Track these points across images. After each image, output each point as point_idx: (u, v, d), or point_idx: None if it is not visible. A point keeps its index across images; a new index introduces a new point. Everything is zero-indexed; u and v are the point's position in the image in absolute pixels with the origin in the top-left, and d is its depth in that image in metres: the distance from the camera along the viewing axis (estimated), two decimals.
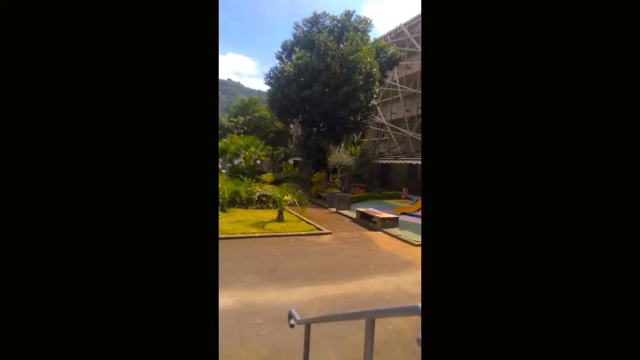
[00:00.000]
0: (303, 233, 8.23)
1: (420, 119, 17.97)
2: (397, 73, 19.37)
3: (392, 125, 19.46)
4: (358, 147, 16.19)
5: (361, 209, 10.25)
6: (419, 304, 1.00)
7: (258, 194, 10.94)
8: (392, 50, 17.98)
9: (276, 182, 15.81)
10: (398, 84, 19.18)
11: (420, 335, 0.89)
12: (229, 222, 8.86)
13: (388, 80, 19.33)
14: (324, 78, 15.50)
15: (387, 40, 20.05)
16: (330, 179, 15.05)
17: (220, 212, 8.82)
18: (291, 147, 21.85)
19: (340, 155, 14.79)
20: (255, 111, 28.60)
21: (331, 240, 7.87)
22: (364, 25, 17.67)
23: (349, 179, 15.75)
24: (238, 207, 11.26)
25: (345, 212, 11.58)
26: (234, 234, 7.69)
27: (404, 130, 18.43)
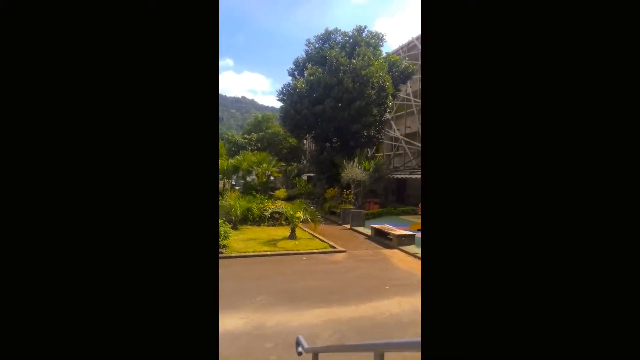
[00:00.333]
0: (316, 251, 8.03)
1: None
2: (411, 86, 19.28)
3: (407, 139, 19.24)
4: (372, 162, 16.00)
5: (376, 226, 9.98)
6: None
7: (270, 210, 10.84)
8: (404, 64, 17.96)
9: (289, 199, 15.73)
10: (412, 97, 19.06)
11: None
12: (240, 240, 8.75)
13: (401, 94, 19.26)
14: (336, 93, 15.54)
15: (399, 54, 20.09)
16: (344, 195, 14.86)
17: (232, 230, 8.72)
18: (304, 162, 21.89)
19: (353, 170, 14.63)
20: (269, 127, 28.97)
21: (345, 259, 7.63)
22: (375, 40, 17.79)
23: (363, 195, 15.52)
24: (250, 225, 11.17)
25: (360, 228, 11.31)
26: (245, 252, 7.56)
27: (419, 144, 18.16)
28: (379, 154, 21.39)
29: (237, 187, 20.46)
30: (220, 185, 18.11)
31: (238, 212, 10.58)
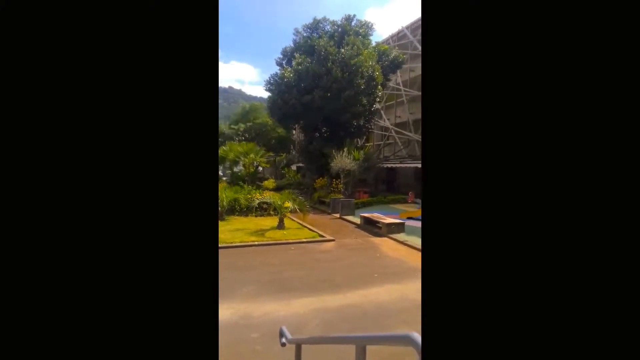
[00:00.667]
0: (305, 240, 7.95)
1: None
2: (400, 76, 19.18)
3: (397, 129, 19.21)
4: (362, 152, 15.92)
5: (366, 215, 9.95)
6: (414, 333, 0.94)
7: (257, 201, 10.70)
8: (394, 53, 17.80)
9: (278, 189, 15.57)
10: (402, 87, 18.97)
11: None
12: (227, 230, 8.61)
13: (391, 84, 19.14)
14: (325, 83, 15.33)
15: (389, 43, 19.91)
16: (334, 185, 14.78)
17: (219, 221, 8.59)
18: (293, 153, 21.71)
19: (343, 160, 14.55)
20: (257, 118, 28.57)
21: (334, 248, 7.57)
22: (365, 30, 17.56)
23: (353, 184, 15.47)
24: (238, 215, 11.01)
25: (350, 217, 11.28)
26: (232, 242, 7.44)
27: (409, 134, 18.15)
28: (369, 144, 21.34)
29: (224, 178, 20.22)
30: None
31: (224, 203, 10.42)
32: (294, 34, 18.16)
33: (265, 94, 19.69)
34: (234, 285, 4.92)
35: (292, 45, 17.94)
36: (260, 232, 8.57)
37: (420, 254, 6.78)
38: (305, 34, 17.78)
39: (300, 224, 9.75)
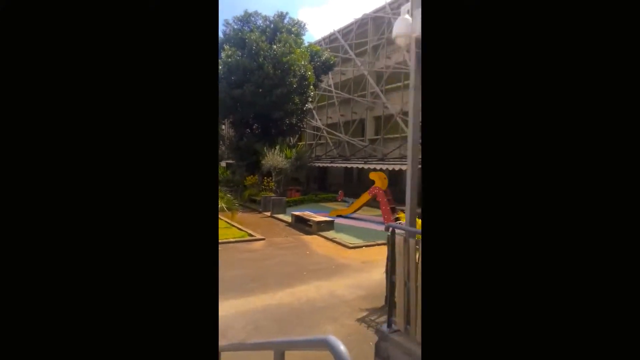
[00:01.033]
0: (233, 240, 7.66)
1: (354, 124, 18.43)
2: (332, 78, 19.65)
3: (328, 129, 19.65)
4: (294, 150, 15.94)
5: (297, 213, 9.98)
6: (331, 337, 0.94)
7: None
8: (326, 55, 18.17)
9: None
10: (333, 89, 19.46)
11: None
12: None
13: (323, 85, 19.51)
14: (256, 78, 14.99)
15: (321, 45, 20.26)
16: (265, 183, 14.54)
17: None
18: (223, 149, 20.83)
19: (275, 158, 14.39)
20: None
21: (264, 247, 7.44)
22: (297, 28, 17.57)
23: (285, 182, 15.41)
24: None
25: (281, 216, 11.21)
26: None
27: (340, 135, 18.71)
28: (301, 143, 21.47)
29: None
30: None
31: None
32: (223, 24, 17.40)
33: None
34: None
35: (222, 36, 17.17)
36: None
37: (348, 250, 7.06)
38: (236, 26, 17.14)
39: (229, 223, 9.38)
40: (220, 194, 9.87)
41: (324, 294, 4.72)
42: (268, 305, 4.28)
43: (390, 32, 14.43)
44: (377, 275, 5.21)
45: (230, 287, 4.80)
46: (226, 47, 15.87)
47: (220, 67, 15.46)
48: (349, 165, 15.80)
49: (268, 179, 14.67)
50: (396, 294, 2.65)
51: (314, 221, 8.86)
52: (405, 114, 13.93)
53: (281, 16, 17.53)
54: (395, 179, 13.81)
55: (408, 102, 3.24)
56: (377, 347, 2.71)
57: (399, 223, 4.93)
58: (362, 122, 18.55)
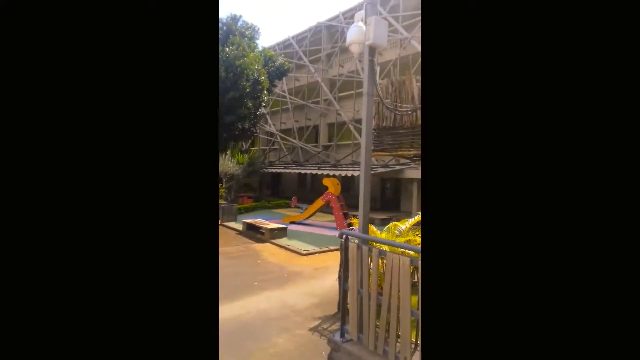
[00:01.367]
0: None
1: (308, 130, 18.49)
2: (286, 84, 19.58)
3: (282, 135, 19.49)
4: (246, 155, 15.52)
5: (248, 220, 9.66)
6: None
7: None
8: (280, 60, 18.07)
9: None
10: (287, 95, 19.38)
11: None
12: None
13: (277, 90, 19.36)
14: None
15: (275, 50, 20.13)
16: None
17: None
18: None
19: (225, 163, 13.90)
20: None
21: None
22: (250, 32, 17.29)
23: (237, 189, 14.93)
24: None
25: (231, 224, 10.79)
26: None
27: (294, 140, 18.63)
28: (254, 148, 21.04)
29: None
30: None
31: None
32: None
33: None
34: None
35: None
36: None
37: (301, 257, 6.94)
38: None
39: None
40: None
41: (275, 304, 4.55)
42: None
43: (344, 41, 14.70)
44: (330, 281, 5.17)
45: None
46: None
47: None
48: (302, 171, 15.76)
49: (218, 186, 14.09)
50: (349, 301, 2.60)
51: (266, 228, 8.63)
52: (358, 121, 14.28)
53: (234, 19, 17.13)
54: (348, 185, 14.04)
55: (360, 110, 3.26)
56: (330, 358, 2.63)
57: (352, 229, 4.95)
58: (315, 129, 18.68)
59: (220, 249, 7.60)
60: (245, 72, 15.02)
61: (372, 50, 2.90)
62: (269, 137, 21.02)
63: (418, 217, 4.92)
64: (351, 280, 2.58)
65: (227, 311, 4.27)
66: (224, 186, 14.12)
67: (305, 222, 10.99)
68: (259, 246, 8.04)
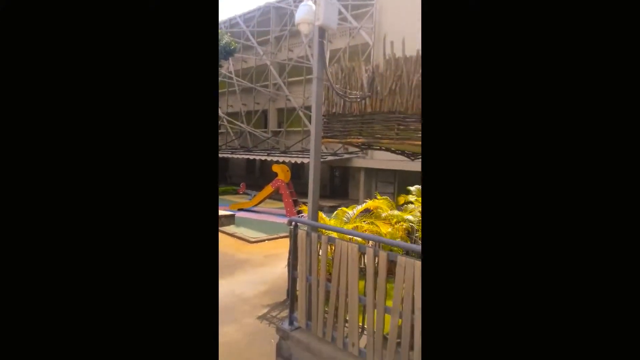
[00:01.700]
0: None
1: (257, 115, 17.96)
2: (233, 65, 18.71)
3: (229, 118, 18.71)
4: None
5: None
6: None
7: None
8: (226, 39, 17.14)
9: None
10: (234, 77, 18.55)
11: None
12: None
13: (223, 71, 18.43)
14: None
15: (220, 28, 19.04)
16: None
17: None
18: None
19: None
20: None
21: None
22: None
23: None
24: None
25: None
26: None
27: (241, 125, 18.00)
28: None
29: None
30: None
31: None
32: None
33: None
34: None
35: None
36: None
37: (249, 245, 6.80)
38: None
39: None
40: None
41: (223, 293, 4.40)
42: None
43: (293, 24, 14.37)
44: (280, 269, 5.13)
45: None
46: None
47: None
48: (251, 157, 15.35)
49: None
50: (298, 289, 2.58)
51: None
52: (308, 108, 14.18)
53: None
54: (298, 172, 14.01)
55: (311, 97, 3.20)
56: (279, 346, 2.61)
57: (302, 216, 4.93)
58: (264, 113, 18.22)
59: None
60: None
61: (322, 31, 2.82)
62: None
63: (365, 205, 5.05)
64: (300, 267, 2.55)
65: None
66: None
67: (254, 209, 10.78)
68: None
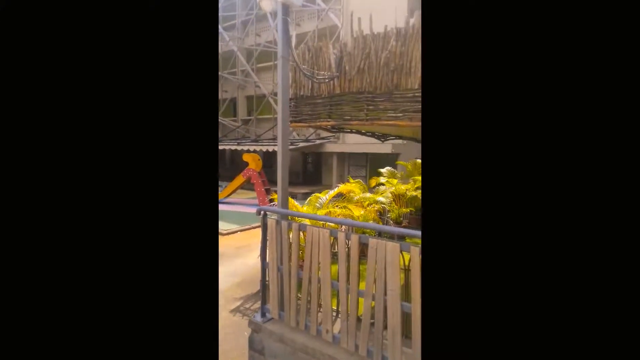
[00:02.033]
0: None
1: (225, 103, 17.38)
2: None
3: None
4: None
5: None
6: None
7: None
8: None
9: None
10: None
11: None
12: None
13: None
14: None
15: None
16: None
17: None
18: None
19: None
20: None
21: None
22: None
23: None
24: None
25: None
26: None
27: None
28: None
29: None
30: None
31: None
32: None
33: None
34: None
35: None
36: None
37: (220, 237, 6.60)
38: None
39: None
40: None
41: None
42: None
43: (259, 8, 13.90)
44: (253, 260, 5.01)
45: None
46: None
47: None
48: (220, 147, 14.88)
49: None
50: (269, 279, 2.48)
51: None
52: (277, 94, 13.86)
53: None
54: (270, 160, 13.75)
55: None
56: (251, 340, 2.51)
57: (273, 205, 4.81)
58: (233, 102, 17.67)
59: None
60: None
61: (286, 8, 2.67)
62: None
63: (338, 189, 5.00)
64: (270, 257, 2.45)
65: None
66: None
67: (226, 200, 10.50)
68: None
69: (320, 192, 5.05)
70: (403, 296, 1.92)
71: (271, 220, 2.48)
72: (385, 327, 1.92)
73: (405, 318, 1.90)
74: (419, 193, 6.51)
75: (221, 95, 17.47)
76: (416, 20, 2.54)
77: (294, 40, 3.77)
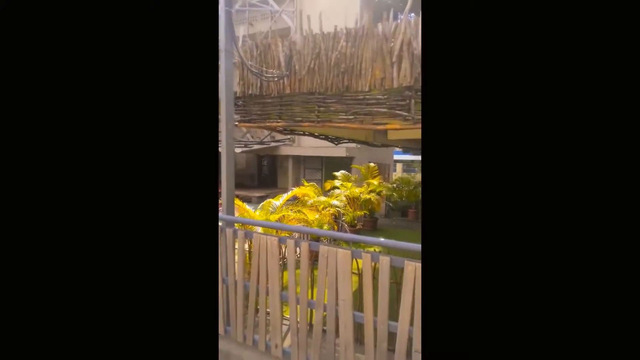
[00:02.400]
0: None
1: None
2: None
3: None
4: None
5: None
6: None
7: None
8: None
9: None
10: None
11: None
12: None
13: None
14: None
15: None
16: None
17: None
18: None
19: None
20: None
21: None
22: None
23: None
24: None
25: None
26: None
27: None
28: None
29: None
30: None
31: None
32: None
33: None
34: None
35: None
36: None
37: None
38: None
39: None
40: None
41: None
42: None
43: None
44: None
45: None
46: None
47: None
48: None
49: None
50: None
51: None
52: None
53: None
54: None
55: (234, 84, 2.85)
56: None
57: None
58: None
59: None
60: None
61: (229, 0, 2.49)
62: None
63: (292, 192, 4.87)
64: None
65: None
66: None
67: None
68: None
69: (275, 196, 4.88)
70: (355, 305, 1.84)
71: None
72: (338, 336, 1.83)
73: (357, 326, 1.82)
74: (372, 196, 6.61)
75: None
76: (366, 22, 2.50)
77: (246, 41, 3.58)
